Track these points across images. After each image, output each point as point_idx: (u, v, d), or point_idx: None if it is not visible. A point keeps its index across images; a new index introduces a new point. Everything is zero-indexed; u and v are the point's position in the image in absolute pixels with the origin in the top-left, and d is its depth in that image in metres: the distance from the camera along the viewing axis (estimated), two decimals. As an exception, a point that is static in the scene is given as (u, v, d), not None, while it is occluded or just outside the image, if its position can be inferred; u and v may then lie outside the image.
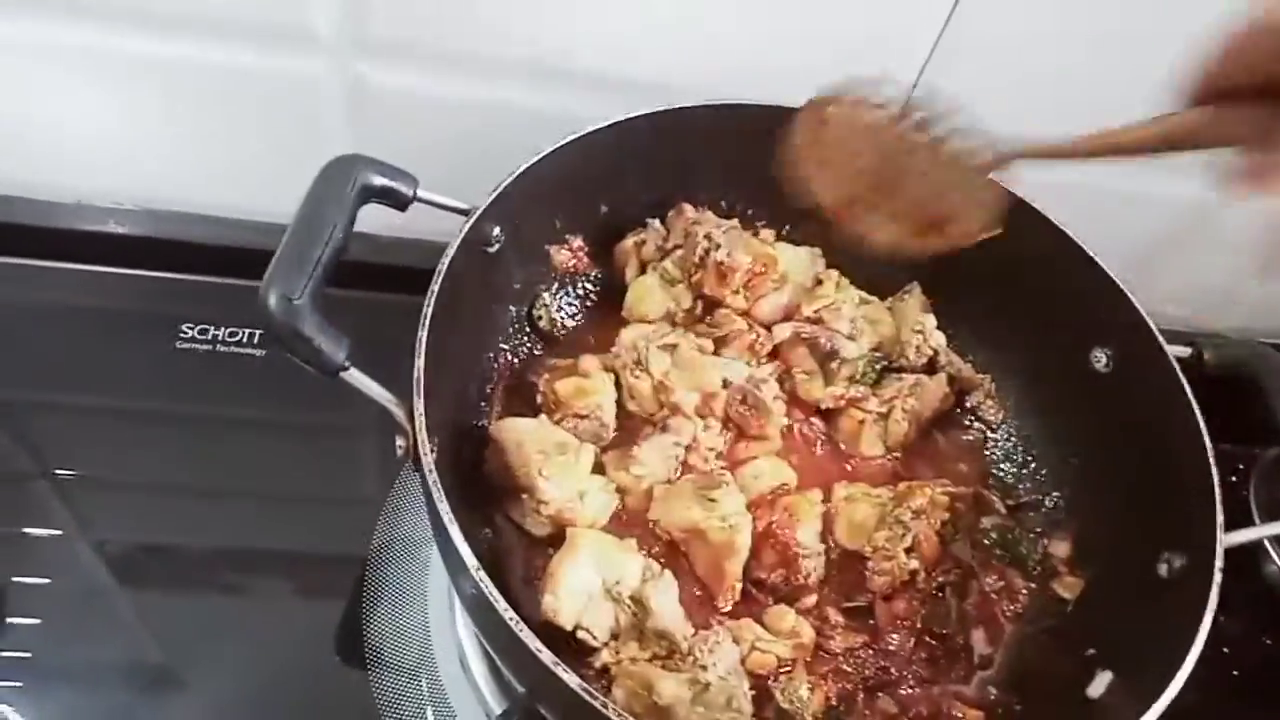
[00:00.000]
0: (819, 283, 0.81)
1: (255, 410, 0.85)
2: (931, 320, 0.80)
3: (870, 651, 0.68)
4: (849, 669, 0.67)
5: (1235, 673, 0.85)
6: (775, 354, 0.78)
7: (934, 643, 0.69)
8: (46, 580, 0.73)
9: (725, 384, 0.73)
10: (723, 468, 0.72)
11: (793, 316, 0.79)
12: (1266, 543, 0.89)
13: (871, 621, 0.69)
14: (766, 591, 0.68)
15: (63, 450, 0.80)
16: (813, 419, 0.78)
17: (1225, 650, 0.85)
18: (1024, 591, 0.71)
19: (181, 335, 0.87)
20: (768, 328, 0.78)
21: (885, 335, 0.80)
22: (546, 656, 0.48)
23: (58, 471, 0.79)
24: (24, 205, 0.90)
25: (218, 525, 0.78)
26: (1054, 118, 0.86)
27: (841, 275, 0.81)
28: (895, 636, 0.68)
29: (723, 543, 0.66)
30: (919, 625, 0.69)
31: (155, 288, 0.90)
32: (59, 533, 0.75)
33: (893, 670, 0.67)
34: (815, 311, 0.78)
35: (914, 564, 0.69)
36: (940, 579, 0.70)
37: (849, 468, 0.77)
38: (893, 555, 0.68)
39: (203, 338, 0.87)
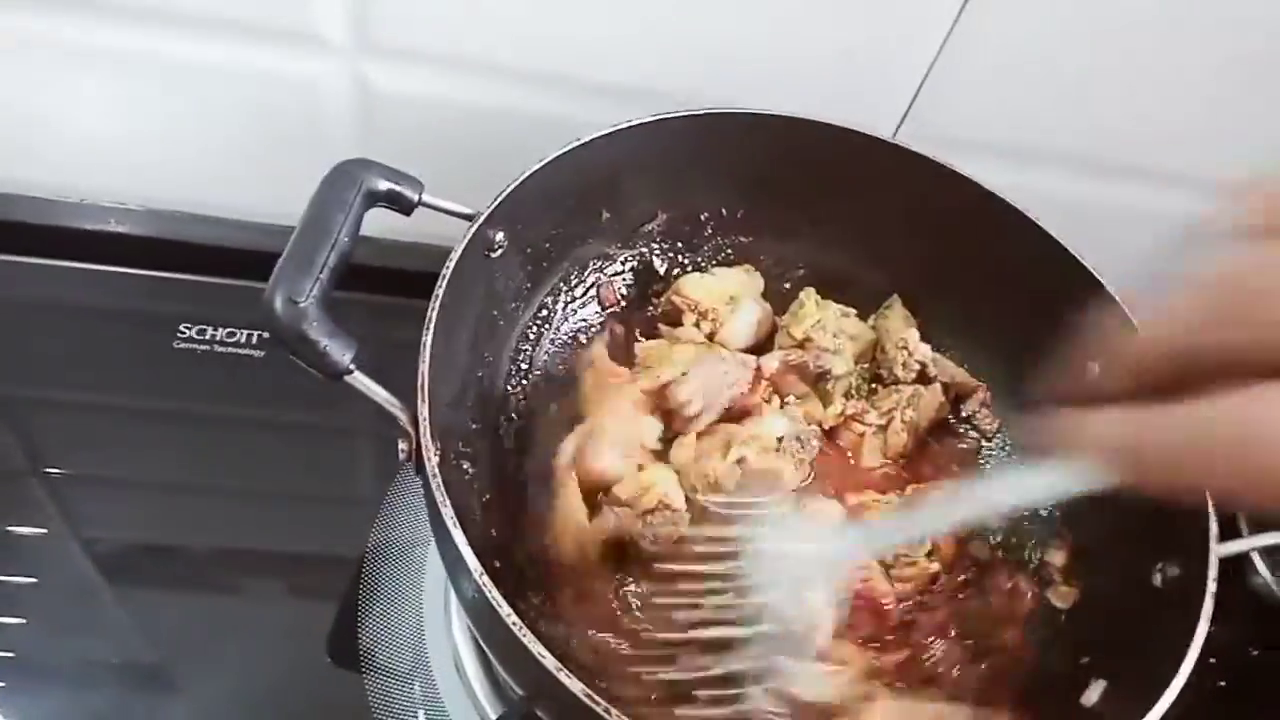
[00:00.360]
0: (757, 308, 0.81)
1: (252, 410, 0.85)
2: (915, 334, 0.80)
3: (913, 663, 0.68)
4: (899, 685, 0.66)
5: (1222, 683, 0.86)
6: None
7: (970, 642, 0.69)
8: (33, 580, 0.72)
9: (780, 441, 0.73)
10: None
11: (772, 334, 0.80)
12: (1254, 554, 0.90)
13: (908, 635, 0.69)
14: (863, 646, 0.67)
15: (56, 448, 0.79)
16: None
17: (1212, 660, 0.86)
18: (1030, 595, 0.71)
19: (180, 335, 0.87)
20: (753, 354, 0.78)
21: (866, 346, 0.81)
22: (550, 661, 0.48)
23: (48, 469, 0.78)
24: (24, 203, 0.89)
25: (211, 525, 0.78)
26: (1064, 122, 0.89)
27: (818, 292, 0.81)
28: (937, 643, 0.68)
29: None
30: (952, 631, 0.69)
31: (154, 287, 0.90)
32: (44, 531, 0.75)
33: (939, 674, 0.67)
34: (804, 333, 0.78)
35: (935, 566, 0.69)
36: (961, 577, 0.71)
37: (854, 478, 0.77)
38: (914, 560, 0.68)
39: (201, 337, 0.87)
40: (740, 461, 0.68)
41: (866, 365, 0.81)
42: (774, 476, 0.70)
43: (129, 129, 0.86)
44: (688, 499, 0.68)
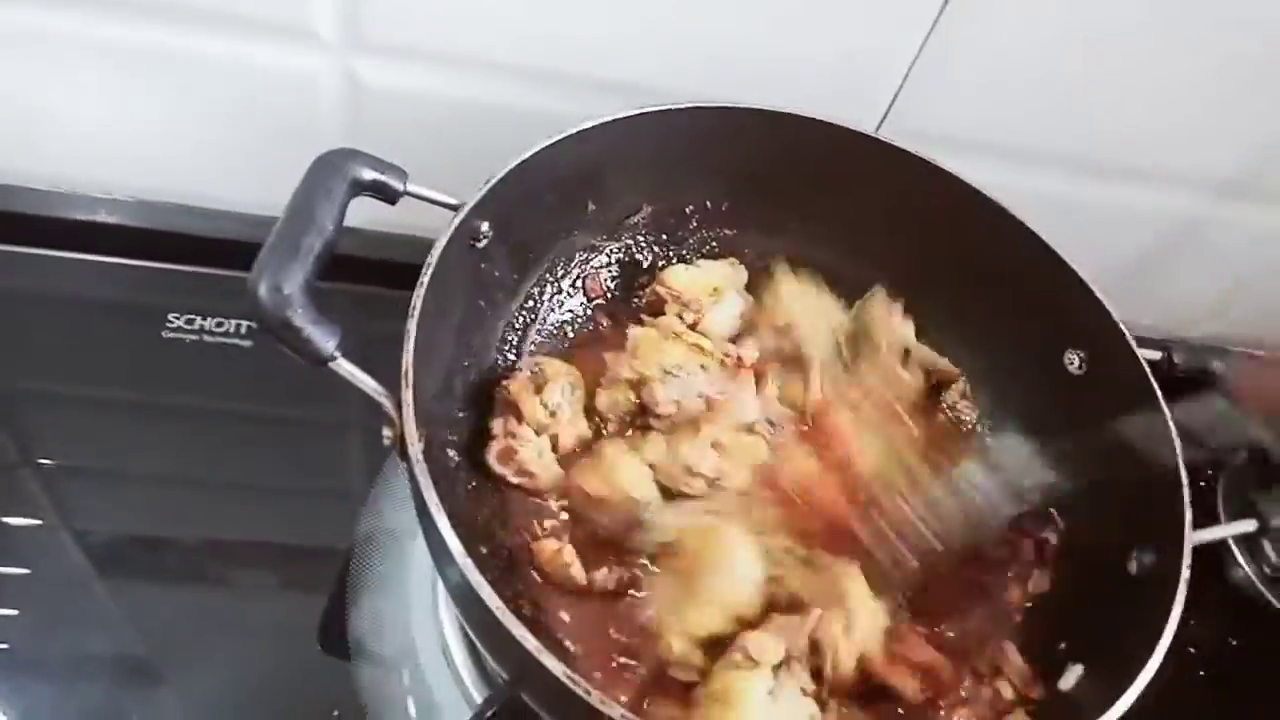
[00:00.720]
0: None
1: (240, 401, 0.85)
2: (899, 314, 0.80)
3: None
4: None
5: (1203, 673, 0.87)
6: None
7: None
8: (26, 571, 0.73)
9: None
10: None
11: (756, 325, 0.80)
12: (1233, 546, 0.91)
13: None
14: None
15: (45, 439, 0.80)
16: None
17: (1193, 651, 0.87)
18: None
19: (168, 325, 0.87)
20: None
21: (846, 332, 0.80)
22: (531, 643, 0.49)
23: (40, 460, 0.79)
24: (13, 193, 0.89)
25: (201, 516, 0.78)
26: (1055, 125, 0.89)
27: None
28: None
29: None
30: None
31: (143, 277, 0.90)
32: (39, 523, 0.75)
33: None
34: (785, 318, 0.78)
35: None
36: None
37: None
38: None
39: (189, 328, 0.87)
40: (715, 445, 0.69)
41: (846, 349, 0.80)
42: (749, 456, 0.70)
43: (122, 121, 0.87)
44: (663, 489, 0.68)
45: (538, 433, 0.69)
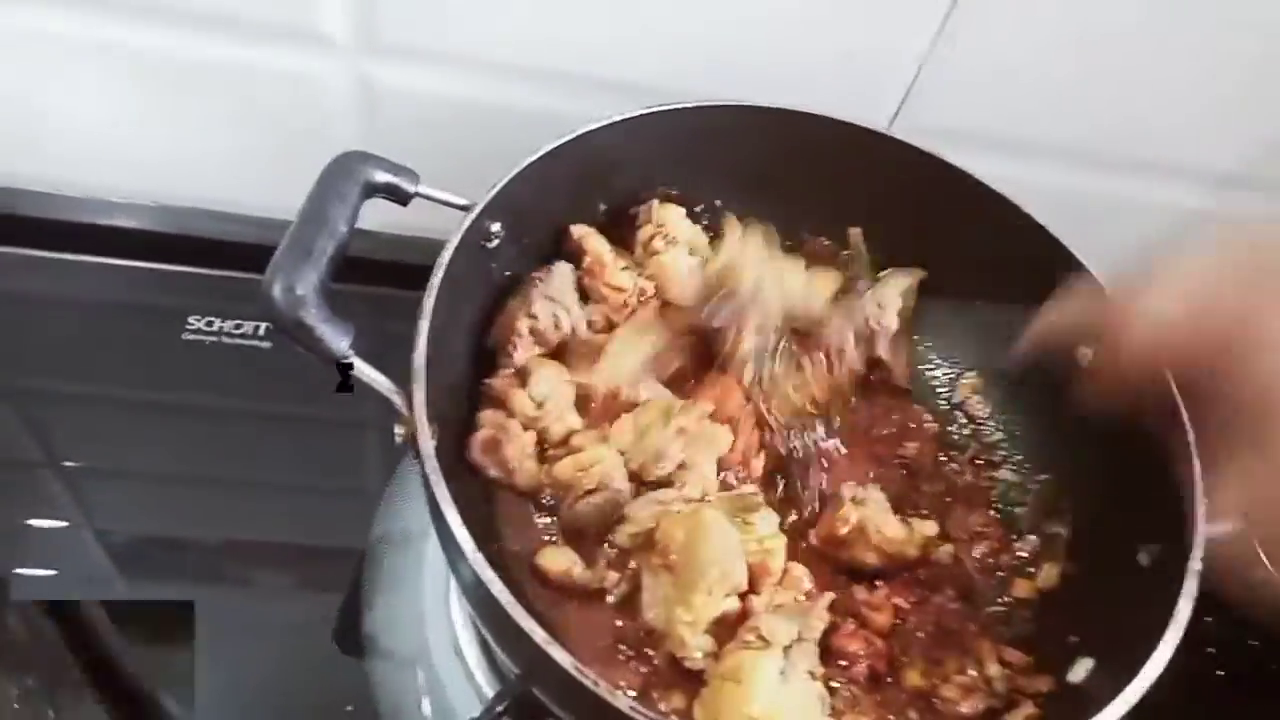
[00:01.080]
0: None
1: (259, 402, 0.87)
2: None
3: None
4: None
5: (1221, 673, 0.86)
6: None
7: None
8: (53, 572, 0.74)
9: None
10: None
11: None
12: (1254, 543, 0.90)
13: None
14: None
15: (69, 441, 0.81)
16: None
17: (1211, 651, 0.86)
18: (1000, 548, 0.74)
19: (188, 327, 0.89)
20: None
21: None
22: (540, 635, 0.50)
23: (64, 462, 0.80)
24: (33, 198, 0.91)
25: (220, 516, 0.80)
26: (1052, 122, 0.89)
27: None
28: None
29: (756, 565, 0.65)
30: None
31: (163, 280, 0.92)
32: (64, 524, 0.77)
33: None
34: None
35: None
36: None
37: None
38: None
39: (209, 329, 0.89)
40: (681, 432, 0.69)
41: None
42: (714, 441, 0.70)
43: (133, 124, 0.88)
44: (632, 476, 0.68)
45: (526, 428, 0.69)
